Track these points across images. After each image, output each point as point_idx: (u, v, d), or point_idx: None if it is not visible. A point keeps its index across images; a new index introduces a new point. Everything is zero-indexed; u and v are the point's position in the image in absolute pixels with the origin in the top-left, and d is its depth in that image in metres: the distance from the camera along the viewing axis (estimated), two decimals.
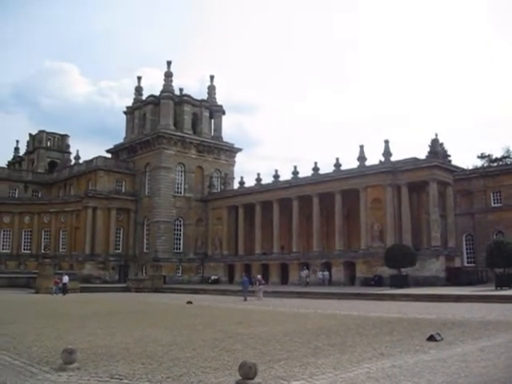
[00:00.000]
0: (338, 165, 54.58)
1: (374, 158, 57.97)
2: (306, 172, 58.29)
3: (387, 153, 50.11)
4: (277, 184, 61.05)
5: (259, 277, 39.47)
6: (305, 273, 50.82)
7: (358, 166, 52.30)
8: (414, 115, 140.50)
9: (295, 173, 59.32)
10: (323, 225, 56.75)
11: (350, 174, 52.30)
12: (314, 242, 55.50)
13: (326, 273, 51.65)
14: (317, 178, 55.96)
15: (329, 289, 43.62)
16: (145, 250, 66.85)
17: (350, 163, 55.41)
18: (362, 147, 52.48)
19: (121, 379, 9.00)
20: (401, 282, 41.52)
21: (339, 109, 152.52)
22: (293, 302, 32.23)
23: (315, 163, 56.73)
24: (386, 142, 50.24)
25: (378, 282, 45.71)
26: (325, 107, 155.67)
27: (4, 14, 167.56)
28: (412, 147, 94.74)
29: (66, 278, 44.98)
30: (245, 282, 37.83)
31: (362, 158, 52.23)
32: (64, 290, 43.57)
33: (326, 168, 56.89)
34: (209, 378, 9.10)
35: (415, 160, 49.41)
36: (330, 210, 55.07)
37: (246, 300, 34.79)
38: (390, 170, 49.04)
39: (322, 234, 56.46)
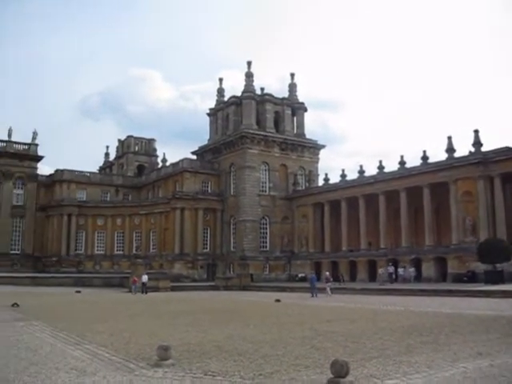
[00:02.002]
0: (425, 158, 53.06)
1: (463, 149, 55.92)
2: (391, 166, 57.10)
3: (477, 143, 48.15)
4: (362, 179, 60.08)
5: (327, 274, 41.42)
6: (382, 270, 49.81)
7: (447, 158, 50.57)
8: (505, 102, 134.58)
9: (381, 167, 58.15)
10: (411, 220, 55.37)
11: (439, 167, 50.65)
12: (403, 238, 54.26)
13: (412, 269, 50.38)
14: (403, 171, 54.64)
15: (419, 285, 42.53)
16: (232, 249, 67.74)
17: (437, 156, 53.77)
18: (450, 138, 50.78)
19: (214, 376, 9.15)
20: (496, 277, 39.62)
21: (425, 100, 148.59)
22: (381, 300, 31.65)
23: (401, 157, 55.46)
24: (476, 131, 48.30)
25: (471, 278, 43.97)
26: (410, 100, 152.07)
27: (89, 26, 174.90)
28: (504, 136, 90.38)
29: (145, 278, 44.71)
30: (313, 279, 38.55)
31: (450, 149, 50.48)
32: (143, 289, 43.48)
33: (413, 161, 55.50)
34: (300, 376, 9.08)
35: (508, 149, 47.03)
36: (419, 204, 53.61)
37: (313, 296, 36.06)
38: (481, 160, 47.06)
39: (411, 230, 55.07)
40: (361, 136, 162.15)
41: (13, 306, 25.03)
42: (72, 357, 11.22)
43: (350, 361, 8.84)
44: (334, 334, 14.86)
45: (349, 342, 13.20)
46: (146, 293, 42.81)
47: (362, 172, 61.07)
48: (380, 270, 50.28)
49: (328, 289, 37.58)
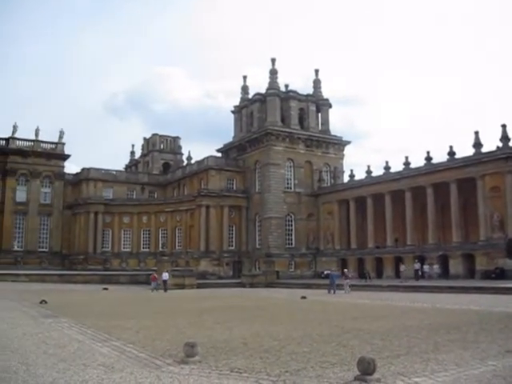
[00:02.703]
0: (451, 153, 52.37)
1: (490, 144, 54.57)
2: (417, 162, 56.48)
3: (505, 138, 47.34)
4: (388, 176, 59.56)
5: (346, 271, 43.05)
6: (403, 267, 49.45)
7: (474, 154, 49.82)
8: None
9: (407, 163, 57.55)
10: (438, 216, 54.75)
11: (466, 162, 49.94)
12: (429, 234, 53.76)
13: (436, 266, 49.89)
14: (430, 167, 53.97)
15: (446, 282, 42.09)
16: (257, 246, 67.74)
17: (464, 151, 52.84)
18: (477, 133, 50.04)
19: (240, 373, 9.16)
20: None
21: (449, 96, 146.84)
22: (408, 297, 31.43)
23: (427, 153, 54.78)
24: (504, 126, 47.53)
25: (499, 274, 43.35)
26: (436, 94, 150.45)
27: (114, 25, 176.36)
28: None
29: (165, 275, 44.24)
30: (333, 276, 39.54)
31: (477, 144, 49.75)
32: (164, 287, 43.00)
33: (439, 157, 54.87)
34: (327, 373, 9.05)
35: None
36: (445, 200, 53.01)
37: (329, 293, 37.01)
38: (509, 155, 46.29)
39: (438, 226, 54.48)
40: (386, 132, 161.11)
41: (41, 303, 25.38)
42: (100, 353, 11.34)
43: (377, 358, 8.78)
44: (361, 332, 14.78)
45: (375, 340, 13.13)
46: (166, 290, 42.49)
47: (387, 168, 60.60)
48: (402, 267, 49.87)
49: (347, 286, 38.10)
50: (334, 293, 36.74)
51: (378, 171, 63.06)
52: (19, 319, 18.62)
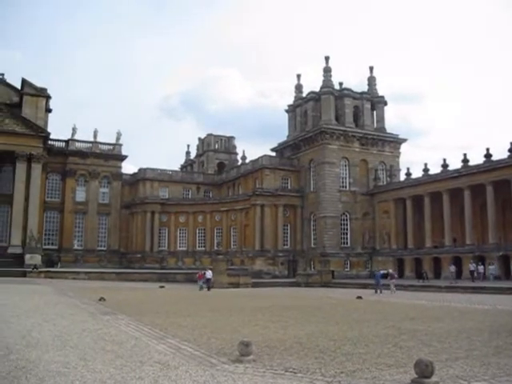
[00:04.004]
0: None
1: None
2: (476, 160, 54.97)
3: None
4: (446, 173, 58.12)
5: (391, 271, 43.59)
6: (453, 267, 48.24)
7: None
8: None
9: (465, 161, 56.09)
10: (499, 215, 53.07)
11: None
12: (490, 234, 52.19)
13: (493, 267, 48.34)
14: (490, 164, 52.41)
15: (506, 283, 40.77)
16: (312, 245, 67.42)
17: None
18: None
19: (295, 372, 9.10)
20: None
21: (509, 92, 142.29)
22: (467, 298, 30.63)
23: (487, 149, 53.24)
24: None
25: None
26: (497, 89, 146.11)
27: (169, 28, 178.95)
28: None
29: (209, 273, 43.37)
30: (377, 276, 40.20)
31: None
32: (208, 285, 42.23)
33: (500, 154, 53.23)
34: (383, 375, 8.89)
35: None
36: (506, 198, 51.35)
37: (377, 292, 37.54)
38: None
39: (498, 225, 52.80)
40: (444, 129, 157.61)
41: (100, 300, 25.95)
42: (156, 350, 11.47)
43: (435, 361, 8.56)
44: (418, 333, 14.48)
45: (433, 342, 12.83)
46: (209, 289, 41.64)
47: (445, 166, 59.17)
48: (452, 268, 48.62)
49: (393, 286, 38.13)
50: (379, 292, 37.14)
51: (435, 169, 61.83)
52: (79, 316, 19.06)
